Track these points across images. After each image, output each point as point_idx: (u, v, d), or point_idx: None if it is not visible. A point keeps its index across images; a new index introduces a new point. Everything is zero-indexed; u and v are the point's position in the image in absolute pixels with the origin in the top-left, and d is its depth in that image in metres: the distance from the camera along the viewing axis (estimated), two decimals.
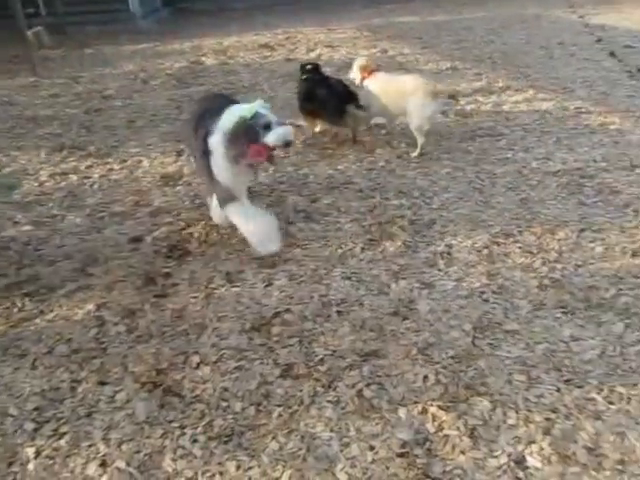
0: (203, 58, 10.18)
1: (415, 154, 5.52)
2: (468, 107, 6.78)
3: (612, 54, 8.93)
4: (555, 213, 4.37)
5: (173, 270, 3.99)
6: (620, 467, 2.42)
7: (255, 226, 3.98)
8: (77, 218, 4.77)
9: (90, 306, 3.65)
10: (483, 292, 3.55)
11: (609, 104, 6.72)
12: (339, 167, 5.40)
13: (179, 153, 5.93)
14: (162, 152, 6.01)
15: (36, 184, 5.45)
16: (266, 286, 3.76)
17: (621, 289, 3.50)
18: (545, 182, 4.86)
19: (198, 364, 3.13)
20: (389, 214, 4.49)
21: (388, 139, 5.95)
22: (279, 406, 2.84)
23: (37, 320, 3.56)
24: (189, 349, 3.25)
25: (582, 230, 4.13)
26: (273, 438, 2.67)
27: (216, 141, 3.77)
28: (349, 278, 3.77)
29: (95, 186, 5.35)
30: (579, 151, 5.45)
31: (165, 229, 4.49)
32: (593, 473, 2.40)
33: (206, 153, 3.85)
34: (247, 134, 3.64)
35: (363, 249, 4.07)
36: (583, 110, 6.54)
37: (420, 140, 5.47)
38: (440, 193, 4.79)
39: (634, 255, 3.82)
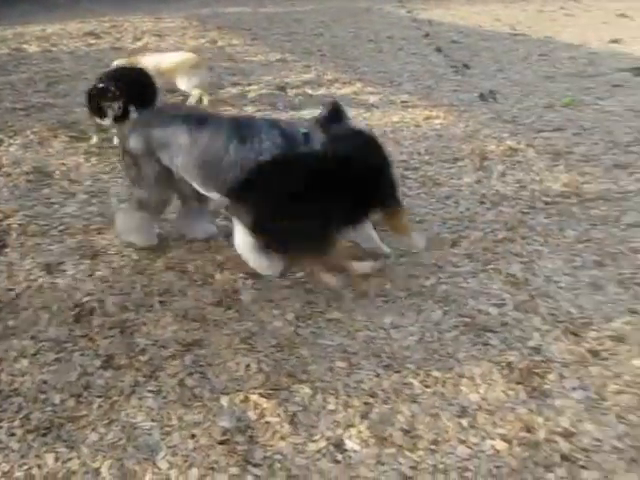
0: (25, 45, 9.53)
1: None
2: (296, 99, 6.84)
3: (439, 49, 9.31)
4: None
5: None
6: (433, 447, 2.52)
7: None
8: None
9: None
10: (307, 282, 3.58)
11: (434, 98, 7.03)
12: None
13: None
14: None
15: None
16: (87, 277, 3.63)
17: (440, 278, 3.66)
18: None
19: (16, 357, 2.98)
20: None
21: None
22: (99, 397, 2.75)
23: None
24: (6, 342, 3.09)
25: None
26: (93, 429, 2.59)
27: None
28: (173, 268, 3.69)
29: None
30: (404, 144, 5.62)
31: None
32: (408, 453, 2.49)
33: None
34: None
35: (188, 240, 3.99)
36: (409, 104, 6.77)
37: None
38: None
39: (453, 245, 4.00)
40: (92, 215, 4.32)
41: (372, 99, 6.91)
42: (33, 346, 3.05)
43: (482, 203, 4.54)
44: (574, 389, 2.82)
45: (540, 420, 2.64)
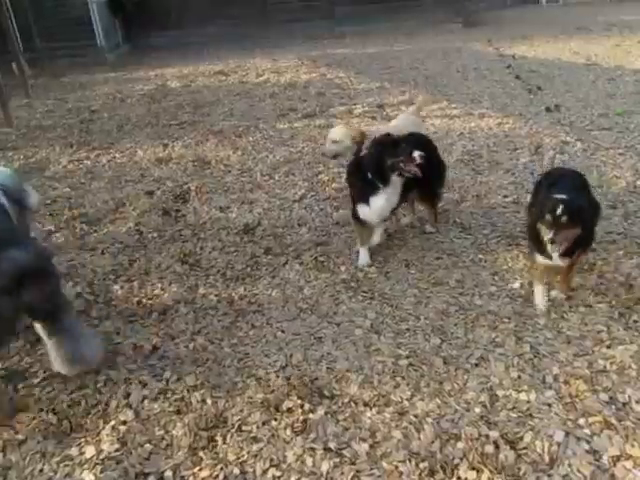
0: (168, 82, 12.07)
1: None
2: (392, 113, 8.34)
3: (517, 77, 10.51)
4: None
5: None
6: None
7: None
8: (100, 183, 6.48)
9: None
10: None
11: (507, 111, 8.38)
12: None
13: (165, 146, 7.67)
14: (151, 145, 7.75)
15: (60, 167, 7.20)
16: (248, 212, 5.40)
17: None
18: None
19: (210, 252, 4.75)
20: None
21: None
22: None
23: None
24: (200, 242, 4.92)
25: None
26: None
27: None
28: None
29: (106, 167, 7.11)
30: (477, 141, 7.10)
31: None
32: None
33: None
34: None
35: None
36: (485, 115, 8.20)
37: None
38: None
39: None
40: (244, 183, 6.14)
41: (455, 112, 8.45)
42: (220, 246, 4.84)
43: (532, 174, 5.88)
44: None
45: None
